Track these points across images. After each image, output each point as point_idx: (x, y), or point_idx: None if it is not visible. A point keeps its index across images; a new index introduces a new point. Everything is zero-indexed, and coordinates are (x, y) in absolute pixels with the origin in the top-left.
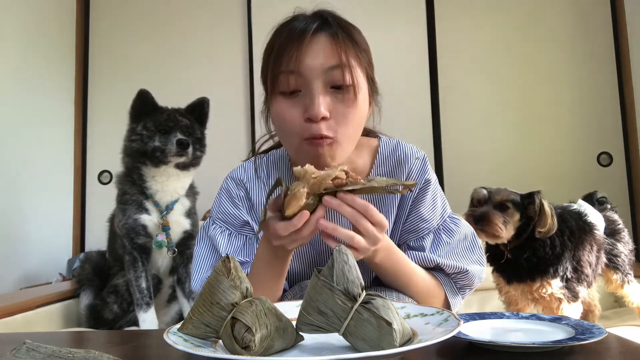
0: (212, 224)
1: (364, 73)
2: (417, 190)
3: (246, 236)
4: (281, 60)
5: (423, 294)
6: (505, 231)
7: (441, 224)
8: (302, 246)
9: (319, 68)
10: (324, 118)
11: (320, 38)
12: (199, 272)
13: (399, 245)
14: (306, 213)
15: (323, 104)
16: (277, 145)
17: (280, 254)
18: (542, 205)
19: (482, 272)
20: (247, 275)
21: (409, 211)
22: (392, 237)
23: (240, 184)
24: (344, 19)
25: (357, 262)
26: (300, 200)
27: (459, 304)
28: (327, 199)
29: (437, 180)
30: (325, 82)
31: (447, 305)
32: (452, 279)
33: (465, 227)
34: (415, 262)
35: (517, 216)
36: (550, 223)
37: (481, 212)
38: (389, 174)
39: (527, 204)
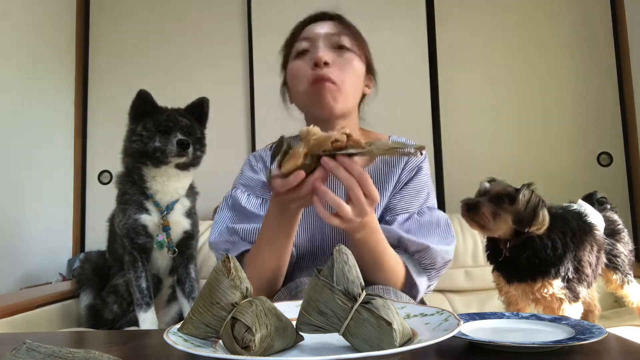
0: (234, 189)
1: (361, 48)
2: (411, 175)
3: (263, 198)
4: (297, 33)
5: (389, 275)
6: (494, 223)
7: (418, 209)
8: (307, 212)
9: (324, 34)
10: (326, 64)
11: (327, 20)
12: (219, 223)
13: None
14: (301, 172)
15: (325, 54)
16: None
17: (286, 212)
18: (530, 199)
19: (447, 252)
20: (259, 232)
21: (397, 192)
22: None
23: (260, 158)
24: (350, 22)
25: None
26: (297, 160)
27: (425, 286)
28: (325, 159)
29: (429, 175)
30: (327, 44)
31: (411, 285)
32: (417, 258)
33: (440, 215)
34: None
35: (508, 210)
36: (522, 211)
37: (474, 201)
38: (390, 161)
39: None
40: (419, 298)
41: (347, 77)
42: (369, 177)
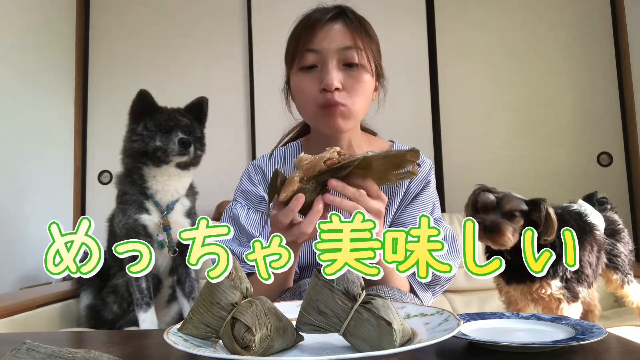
0: (234, 202)
1: (372, 58)
2: (419, 189)
3: (262, 212)
4: (301, 40)
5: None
6: (513, 239)
7: None
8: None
9: (334, 48)
10: (337, 89)
11: (336, 23)
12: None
13: None
14: (301, 195)
15: (336, 77)
16: (295, 138)
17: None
18: (548, 214)
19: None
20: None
21: (405, 207)
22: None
23: (259, 169)
24: (358, 14)
25: None
26: (293, 186)
27: (431, 300)
28: (332, 182)
29: (434, 184)
30: (338, 60)
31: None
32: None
33: (446, 230)
34: None
35: (521, 222)
36: (556, 231)
37: (492, 221)
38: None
39: (530, 209)
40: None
41: (357, 99)
42: (363, 193)
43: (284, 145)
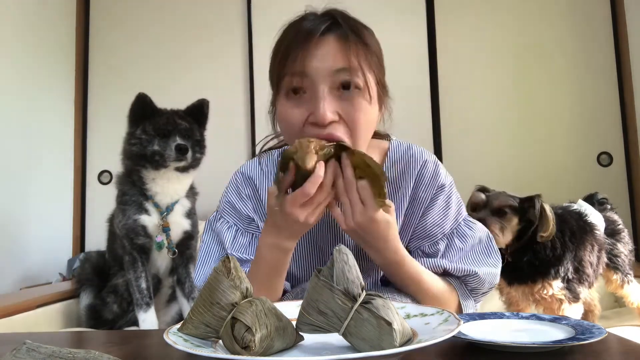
0: (220, 219)
1: (373, 76)
2: (430, 194)
3: (252, 234)
4: (288, 61)
5: (435, 299)
6: (503, 237)
7: (455, 228)
8: (303, 246)
9: (326, 70)
10: (331, 122)
11: (329, 39)
12: (203, 266)
13: (411, 252)
14: (323, 163)
15: (329, 108)
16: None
17: (282, 246)
18: (543, 209)
19: (494, 275)
20: (247, 274)
21: (422, 215)
22: (402, 236)
23: (249, 180)
24: (355, 20)
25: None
26: (313, 156)
27: (472, 308)
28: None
29: (452, 182)
30: (332, 84)
31: (460, 309)
32: (462, 282)
33: (481, 231)
34: (427, 268)
35: (515, 220)
36: (552, 227)
37: (478, 218)
38: (397, 177)
39: (527, 207)
40: None
41: (357, 131)
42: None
43: (270, 149)
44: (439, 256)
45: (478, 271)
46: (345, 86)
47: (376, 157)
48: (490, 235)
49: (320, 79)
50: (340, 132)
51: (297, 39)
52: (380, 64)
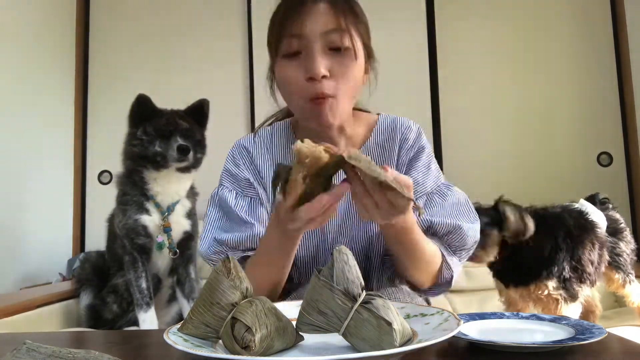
0: (220, 187)
1: (360, 39)
2: (411, 154)
3: (251, 198)
4: (284, 25)
5: (428, 267)
6: (487, 255)
7: (434, 189)
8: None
9: (318, 31)
10: (324, 76)
11: (320, 4)
12: (206, 233)
13: None
14: (324, 197)
15: (322, 64)
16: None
17: (290, 236)
18: (504, 212)
19: (475, 231)
20: (255, 251)
21: (405, 174)
22: None
23: (244, 149)
24: None
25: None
26: (299, 188)
27: (457, 265)
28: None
29: (432, 150)
30: (324, 44)
31: (447, 268)
32: (446, 241)
33: (459, 193)
34: None
35: (495, 232)
36: (515, 227)
37: None
38: (384, 142)
39: (499, 214)
40: (455, 280)
41: (346, 87)
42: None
43: (270, 124)
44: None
45: (462, 225)
46: (336, 49)
47: (364, 127)
48: (468, 197)
49: (314, 39)
50: (331, 87)
51: (293, 5)
52: (367, 29)
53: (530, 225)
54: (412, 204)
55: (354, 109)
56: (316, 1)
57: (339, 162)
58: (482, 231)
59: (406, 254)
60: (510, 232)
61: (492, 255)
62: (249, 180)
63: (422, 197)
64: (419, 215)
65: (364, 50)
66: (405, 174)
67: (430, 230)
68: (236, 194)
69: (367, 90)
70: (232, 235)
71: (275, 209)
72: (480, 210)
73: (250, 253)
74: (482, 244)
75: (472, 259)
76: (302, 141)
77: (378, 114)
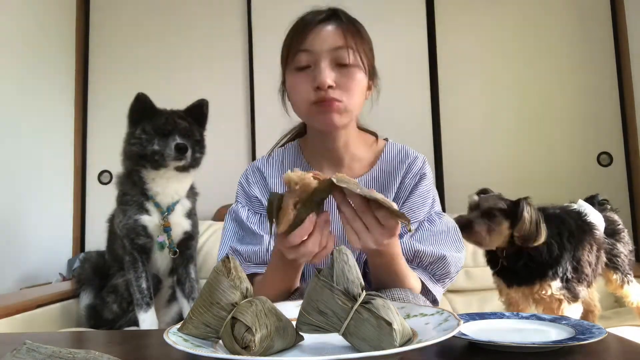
0: (236, 203)
1: (364, 57)
2: (414, 183)
3: (261, 214)
4: (296, 41)
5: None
6: (490, 239)
7: (426, 216)
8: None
9: (326, 48)
10: (330, 87)
11: (328, 25)
12: (225, 242)
13: None
14: (307, 224)
15: (329, 75)
16: (294, 138)
17: (290, 262)
18: (522, 211)
19: (459, 260)
20: (261, 278)
21: (404, 200)
22: None
23: (257, 170)
24: (351, 16)
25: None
26: (289, 215)
27: (440, 293)
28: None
29: (433, 180)
30: (331, 60)
31: (431, 298)
32: (430, 271)
33: (449, 222)
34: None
35: (505, 224)
36: (528, 229)
37: (466, 219)
38: (389, 171)
39: (516, 210)
40: (439, 300)
41: (351, 96)
42: (367, 209)
43: (282, 146)
44: (406, 236)
45: (447, 255)
46: (342, 65)
47: (371, 152)
48: (457, 226)
49: (322, 55)
50: (337, 94)
51: (302, 25)
52: (371, 51)
53: (544, 233)
54: (400, 225)
55: (360, 128)
56: (324, 22)
57: (328, 187)
58: (493, 216)
59: (386, 281)
60: (520, 232)
61: (494, 243)
62: (258, 198)
63: (415, 224)
64: (408, 230)
65: (367, 69)
66: (407, 199)
67: (415, 259)
68: (248, 210)
69: (368, 103)
70: (246, 247)
71: (275, 237)
72: (501, 197)
73: (259, 271)
74: (489, 229)
75: (475, 241)
76: (291, 170)
77: (385, 139)
